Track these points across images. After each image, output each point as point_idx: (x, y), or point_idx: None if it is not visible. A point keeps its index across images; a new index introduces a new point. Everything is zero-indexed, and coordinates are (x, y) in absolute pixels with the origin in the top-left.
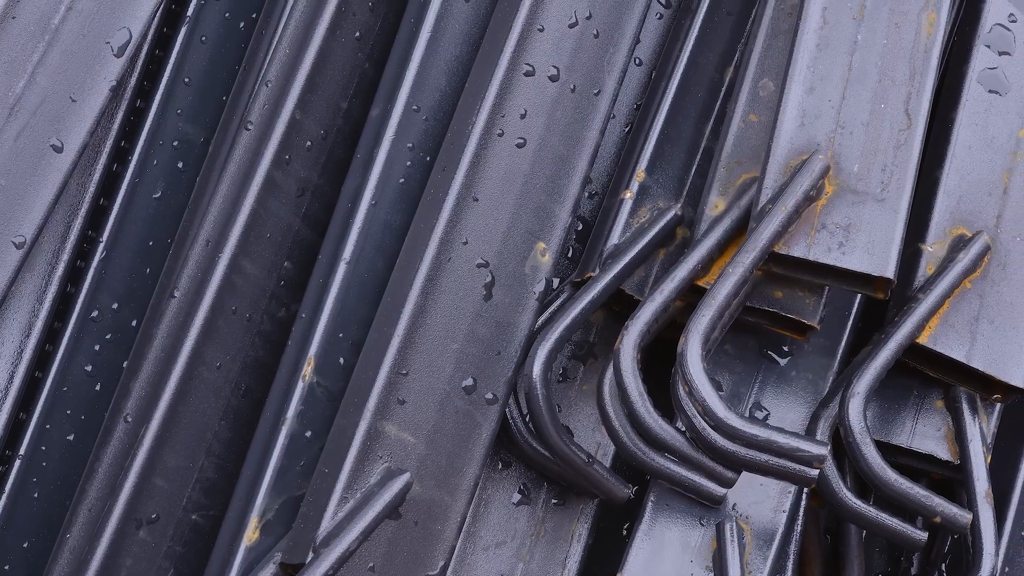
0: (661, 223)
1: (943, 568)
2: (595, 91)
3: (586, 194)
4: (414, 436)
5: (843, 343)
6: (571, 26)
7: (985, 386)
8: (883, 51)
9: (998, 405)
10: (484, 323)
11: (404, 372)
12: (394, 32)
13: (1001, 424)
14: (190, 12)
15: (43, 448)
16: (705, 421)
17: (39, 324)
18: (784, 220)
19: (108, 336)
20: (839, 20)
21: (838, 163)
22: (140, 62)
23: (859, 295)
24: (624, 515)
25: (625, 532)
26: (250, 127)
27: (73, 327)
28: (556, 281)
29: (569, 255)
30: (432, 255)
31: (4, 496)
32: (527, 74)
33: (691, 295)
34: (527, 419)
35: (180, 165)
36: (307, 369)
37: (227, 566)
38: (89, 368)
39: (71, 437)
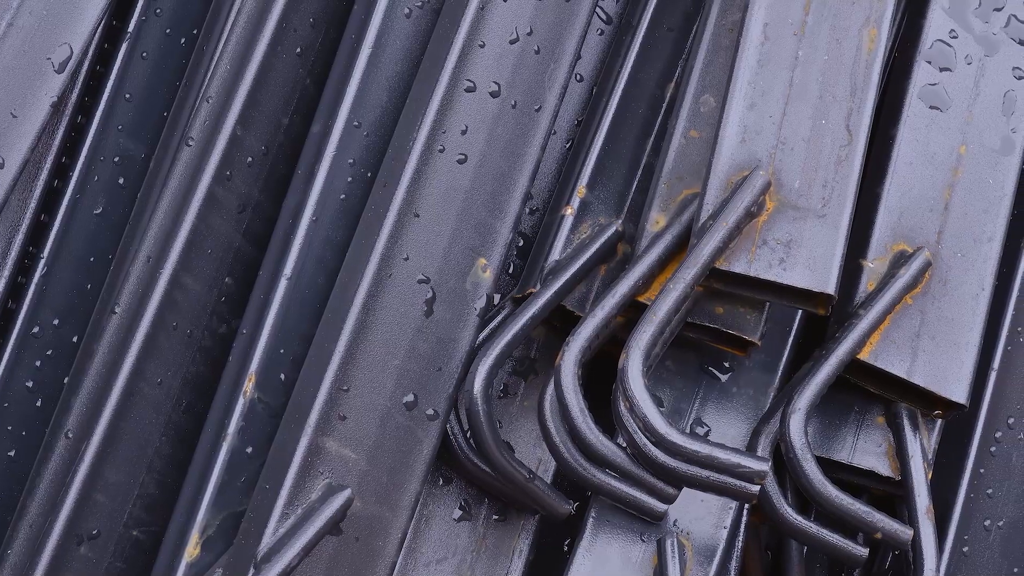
0: (602, 239)
1: None
2: (536, 107)
3: (527, 210)
4: (355, 452)
5: (784, 359)
6: (512, 42)
7: (926, 402)
8: (824, 67)
9: (939, 421)
10: (425, 339)
11: (345, 388)
12: (335, 48)
13: (942, 440)
14: (131, 28)
15: None
16: (646, 437)
17: None
18: (725, 236)
19: (49, 352)
20: (780, 36)
21: (779, 179)
22: (81, 78)
23: (800, 311)
24: (565, 531)
25: (566, 548)
26: (191, 143)
27: (14, 343)
28: (497, 297)
29: (510, 271)
30: (373, 271)
31: None
32: (468, 90)
33: (632, 311)
34: (468, 435)
35: (121, 181)
36: (248, 385)
37: None
38: (30, 384)
39: (12, 453)
